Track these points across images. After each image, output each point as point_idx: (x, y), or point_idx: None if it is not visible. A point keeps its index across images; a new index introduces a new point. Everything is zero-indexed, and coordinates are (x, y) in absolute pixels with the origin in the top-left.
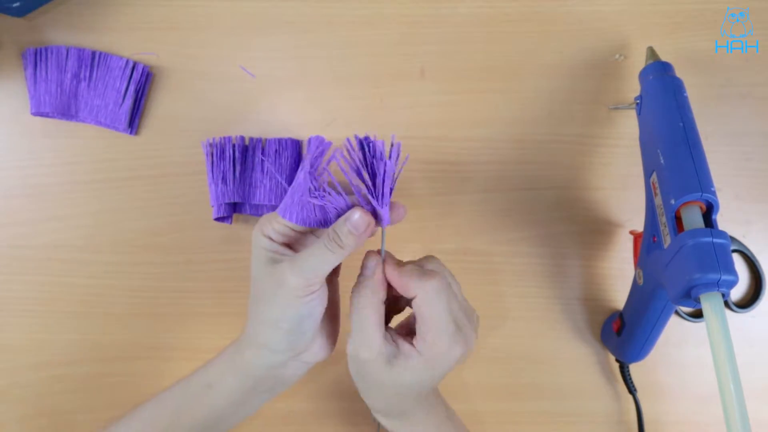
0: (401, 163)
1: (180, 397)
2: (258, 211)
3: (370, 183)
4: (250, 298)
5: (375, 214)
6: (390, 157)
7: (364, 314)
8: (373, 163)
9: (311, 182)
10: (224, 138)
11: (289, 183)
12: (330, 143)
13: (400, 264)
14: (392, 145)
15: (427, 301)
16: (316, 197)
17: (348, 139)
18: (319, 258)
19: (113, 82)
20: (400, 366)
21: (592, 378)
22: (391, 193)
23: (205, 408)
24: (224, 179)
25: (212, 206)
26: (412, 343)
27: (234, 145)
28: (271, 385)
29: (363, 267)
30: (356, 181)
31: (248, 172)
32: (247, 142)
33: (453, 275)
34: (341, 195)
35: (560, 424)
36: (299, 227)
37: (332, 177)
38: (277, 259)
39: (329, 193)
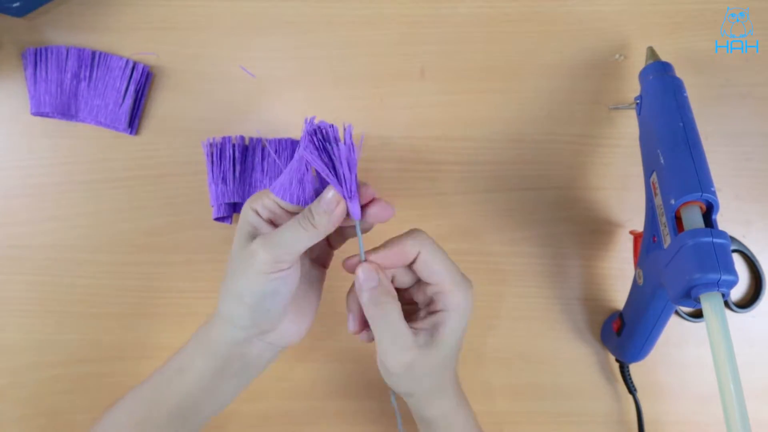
0: (357, 150)
1: (156, 384)
2: None
3: (331, 172)
4: (225, 274)
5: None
6: (344, 142)
7: (393, 321)
8: (330, 150)
9: (305, 161)
10: (224, 138)
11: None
12: (333, 126)
13: (378, 247)
14: (344, 130)
15: (430, 250)
16: (305, 172)
17: (306, 121)
18: (291, 234)
19: (113, 82)
20: (439, 340)
21: (592, 378)
22: (357, 184)
23: (179, 393)
24: (224, 179)
25: (212, 206)
26: (431, 312)
27: (234, 145)
28: (240, 367)
29: (363, 280)
30: (321, 169)
31: (248, 173)
32: (247, 143)
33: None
34: (321, 178)
35: (560, 424)
36: (288, 206)
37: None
38: (256, 233)
39: (318, 174)
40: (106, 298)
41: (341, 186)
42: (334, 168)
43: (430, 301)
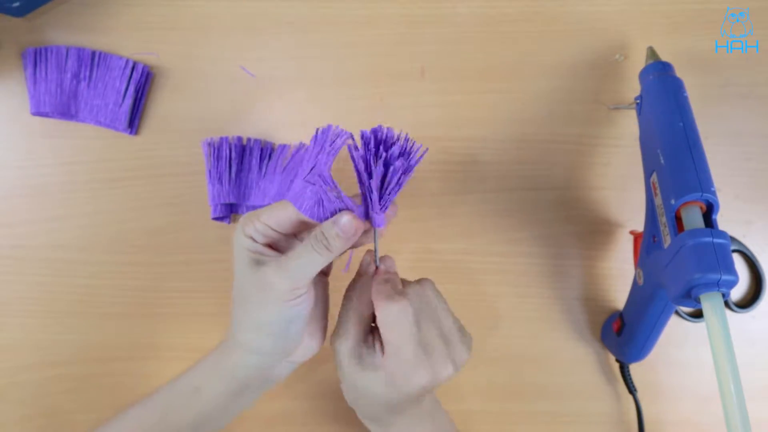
0: (412, 164)
1: (168, 399)
2: None
3: (371, 184)
4: (233, 300)
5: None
6: (405, 156)
7: (348, 308)
8: (382, 161)
9: (324, 173)
10: (222, 138)
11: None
12: (348, 133)
13: (385, 280)
14: (406, 146)
15: (386, 325)
16: (329, 190)
17: (362, 132)
18: (306, 260)
19: (113, 82)
20: (367, 373)
21: (592, 378)
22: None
23: (193, 411)
24: (220, 179)
25: (210, 206)
26: (382, 355)
27: (231, 146)
28: (259, 385)
29: (361, 264)
30: (363, 179)
31: (245, 173)
32: (244, 143)
33: (442, 299)
34: (342, 196)
35: (560, 424)
36: (282, 228)
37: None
38: (261, 260)
39: (337, 190)
40: (106, 298)
41: (373, 200)
42: (374, 178)
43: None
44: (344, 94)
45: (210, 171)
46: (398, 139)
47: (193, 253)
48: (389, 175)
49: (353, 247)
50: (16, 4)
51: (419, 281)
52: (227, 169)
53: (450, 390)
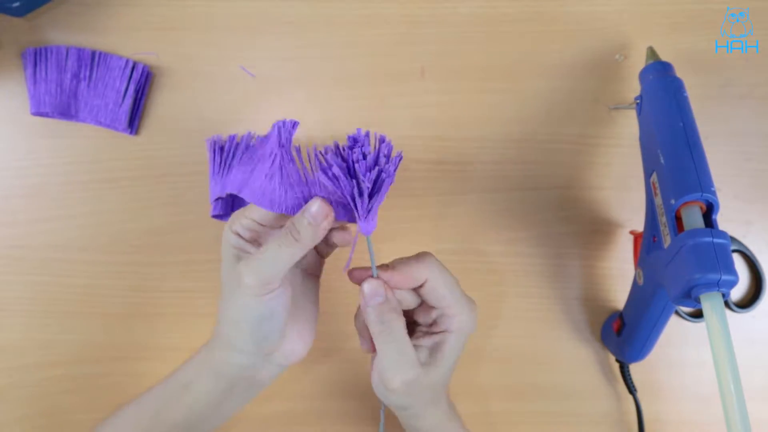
0: (393, 168)
1: (159, 398)
2: None
3: (358, 189)
4: (220, 296)
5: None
6: (384, 162)
7: (398, 338)
8: (359, 165)
9: (284, 164)
10: (231, 136)
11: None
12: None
13: (387, 267)
14: (381, 149)
15: (438, 277)
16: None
17: (349, 137)
18: (274, 254)
19: (113, 82)
20: (439, 358)
21: (592, 378)
22: (382, 199)
23: (184, 408)
24: (222, 176)
25: (210, 204)
26: (434, 332)
27: (234, 143)
28: (247, 386)
29: (369, 295)
30: (340, 183)
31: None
32: (254, 140)
33: None
34: (309, 183)
35: (560, 424)
36: (267, 221)
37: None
38: (242, 256)
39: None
40: (106, 298)
41: (360, 203)
42: (354, 180)
43: (433, 322)
44: (344, 94)
45: (212, 168)
46: (378, 141)
47: (193, 253)
48: (379, 180)
49: (337, 246)
50: (16, 4)
51: (421, 257)
52: (227, 164)
53: (450, 390)
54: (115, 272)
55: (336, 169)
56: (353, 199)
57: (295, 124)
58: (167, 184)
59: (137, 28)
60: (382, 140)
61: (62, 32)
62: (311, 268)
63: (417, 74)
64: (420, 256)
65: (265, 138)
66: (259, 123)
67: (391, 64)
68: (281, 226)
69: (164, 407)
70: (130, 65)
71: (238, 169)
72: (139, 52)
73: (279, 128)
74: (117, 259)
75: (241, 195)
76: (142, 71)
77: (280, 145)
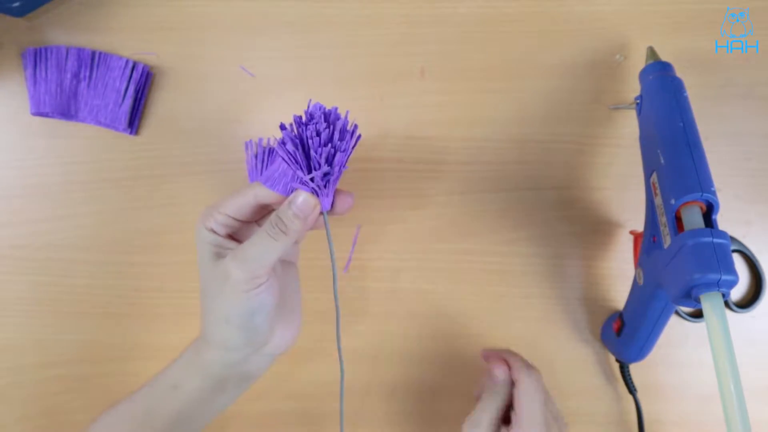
0: (351, 141)
1: (148, 398)
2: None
3: (305, 159)
4: (201, 296)
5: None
6: (336, 131)
7: (493, 404)
8: (312, 142)
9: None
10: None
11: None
12: (333, 108)
13: (502, 352)
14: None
15: (529, 392)
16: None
17: (294, 117)
18: (262, 247)
19: (113, 82)
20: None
21: (592, 378)
22: (340, 175)
23: (174, 408)
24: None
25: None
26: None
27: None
28: (239, 380)
29: (494, 377)
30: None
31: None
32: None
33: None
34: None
35: None
36: (242, 215)
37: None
38: (222, 253)
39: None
40: (106, 298)
41: (316, 177)
42: (306, 156)
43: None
44: (344, 94)
45: (250, 167)
46: (332, 115)
47: (193, 253)
48: (336, 153)
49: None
50: (16, 4)
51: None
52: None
53: (450, 390)
54: (115, 272)
55: (290, 146)
56: (307, 174)
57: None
58: (167, 184)
59: (137, 28)
60: (337, 117)
61: (62, 32)
62: (289, 255)
63: (417, 74)
64: (530, 367)
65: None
66: (259, 123)
67: (391, 64)
68: (255, 220)
69: (153, 408)
70: (130, 65)
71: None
72: (139, 52)
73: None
74: (117, 259)
75: (265, 184)
76: (142, 71)
77: (287, 133)
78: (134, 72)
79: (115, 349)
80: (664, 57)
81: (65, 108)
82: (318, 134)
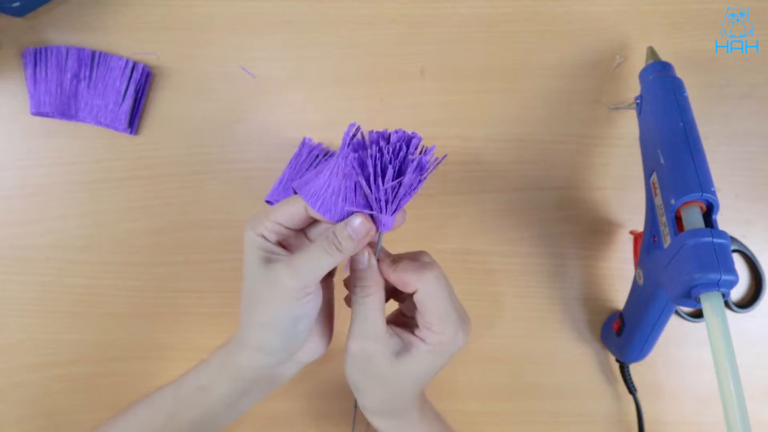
0: (429, 169)
1: (173, 399)
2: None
3: (381, 188)
4: (241, 302)
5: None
6: (419, 164)
7: (369, 306)
8: (394, 164)
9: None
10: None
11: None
12: (414, 134)
13: (394, 260)
14: (423, 152)
15: (430, 293)
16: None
17: (372, 133)
18: (317, 261)
19: (113, 82)
20: (407, 357)
21: (592, 378)
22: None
23: (199, 410)
24: (297, 173)
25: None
26: (415, 334)
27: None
28: (267, 384)
29: (355, 261)
30: (367, 184)
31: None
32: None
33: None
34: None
35: (560, 424)
36: (292, 224)
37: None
38: (272, 258)
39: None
40: (107, 298)
41: (382, 201)
42: (380, 180)
43: (418, 324)
44: (344, 94)
45: (292, 163)
46: (410, 141)
47: (193, 253)
48: (406, 178)
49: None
50: (16, 4)
51: (420, 252)
52: (305, 165)
53: (450, 389)
54: (116, 272)
55: (362, 179)
56: (379, 194)
57: (357, 129)
58: (167, 184)
59: (137, 28)
60: (415, 147)
61: (62, 32)
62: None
63: (417, 74)
64: (421, 268)
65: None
66: (259, 123)
67: (391, 64)
68: (302, 229)
69: (178, 409)
70: (130, 65)
71: (310, 172)
72: (139, 52)
73: (345, 136)
74: (117, 259)
75: (301, 194)
76: (142, 71)
77: (343, 155)
78: (134, 72)
79: (115, 349)
80: (664, 57)
81: (65, 108)
82: (400, 170)
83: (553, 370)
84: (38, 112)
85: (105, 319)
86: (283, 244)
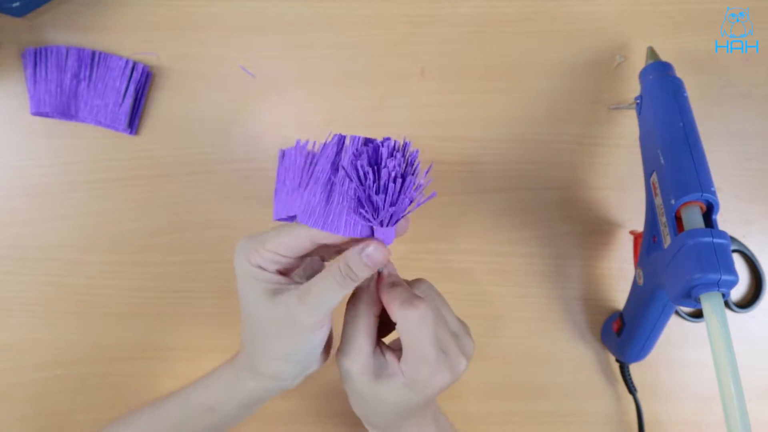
0: (421, 179)
1: (180, 415)
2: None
3: (380, 197)
4: (244, 330)
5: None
6: (413, 172)
7: (356, 326)
8: (388, 174)
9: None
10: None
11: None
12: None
13: (393, 284)
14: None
15: (409, 330)
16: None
17: (355, 140)
18: (331, 293)
19: (113, 82)
20: (384, 383)
21: (592, 378)
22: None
23: (205, 426)
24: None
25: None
26: (399, 362)
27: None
28: (270, 399)
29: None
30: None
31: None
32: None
33: (442, 297)
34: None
35: (560, 424)
36: (293, 253)
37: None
38: (277, 289)
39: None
40: (107, 298)
41: (381, 216)
42: (376, 192)
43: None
44: (344, 94)
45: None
46: (398, 149)
47: (193, 253)
48: (404, 188)
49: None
50: (16, 4)
51: (419, 281)
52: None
53: (450, 390)
54: (116, 272)
55: (360, 190)
56: (374, 217)
57: (342, 139)
58: (167, 184)
59: (137, 28)
60: (413, 155)
61: (62, 32)
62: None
63: (417, 74)
64: (406, 303)
65: (323, 149)
66: (259, 123)
67: (391, 64)
68: (303, 256)
69: (185, 425)
70: (130, 65)
71: (298, 192)
72: (139, 52)
73: (329, 146)
74: (117, 259)
75: (298, 219)
76: (142, 71)
77: (332, 166)
78: (134, 72)
79: (115, 349)
80: (664, 57)
81: (65, 108)
82: (401, 177)
83: (553, 370)
84: (38, 112)
85: (105, 319)
86: (283, 273)
